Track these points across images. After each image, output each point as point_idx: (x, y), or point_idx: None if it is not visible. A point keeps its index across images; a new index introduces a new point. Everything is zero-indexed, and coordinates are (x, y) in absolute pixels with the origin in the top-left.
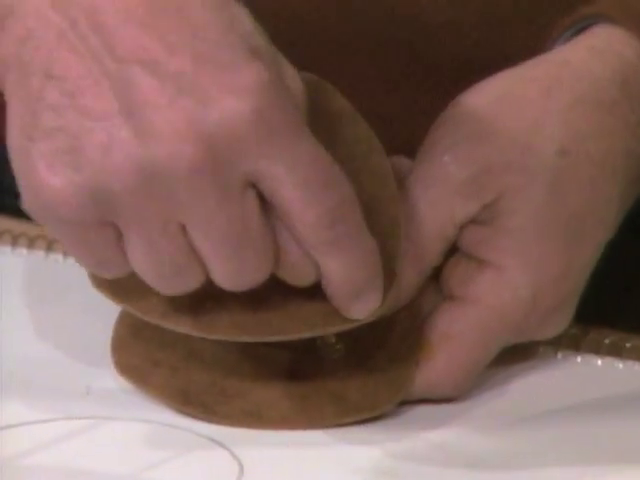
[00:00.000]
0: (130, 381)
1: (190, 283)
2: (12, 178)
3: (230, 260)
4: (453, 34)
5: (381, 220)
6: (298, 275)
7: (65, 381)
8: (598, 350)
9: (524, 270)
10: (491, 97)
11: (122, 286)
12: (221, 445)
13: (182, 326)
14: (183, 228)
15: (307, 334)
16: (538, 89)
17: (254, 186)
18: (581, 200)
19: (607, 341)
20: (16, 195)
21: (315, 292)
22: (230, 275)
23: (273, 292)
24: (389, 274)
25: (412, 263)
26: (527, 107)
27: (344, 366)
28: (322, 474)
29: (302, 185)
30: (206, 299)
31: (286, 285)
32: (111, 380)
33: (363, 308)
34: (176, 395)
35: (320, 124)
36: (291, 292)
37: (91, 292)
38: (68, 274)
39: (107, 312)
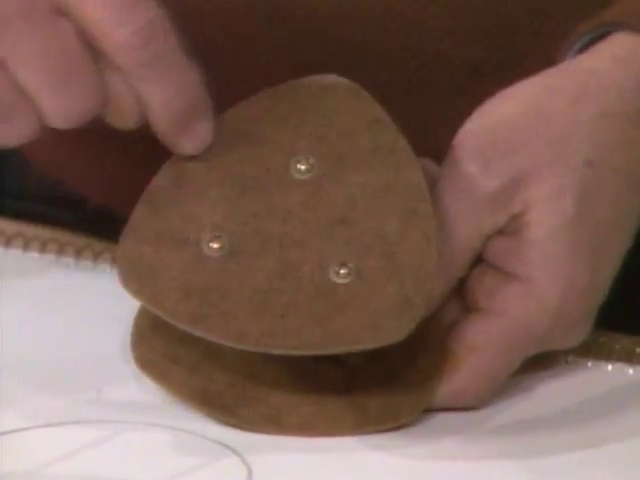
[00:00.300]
0: (150, 377)
1: (22, 126)
2: (18, 181)
3: (55, 91)
4: (462, 39)
5: (414, 235)
6: (122, 110)
7: (75, 385)
8: (608, 355)
9: (552, 283)
10: (518, 106)
11: (151, 287)
12: (233, 451)
13: (211, 334)
14: (3, 65)
15: (336, 350)
16: (566, 99)
17: (66, 17)
18: (606, 211)
19: (617, 346)
20: (25, 197)
21: (347, 306)
22: (58, 108)
23: (303, 306)
24: (423, 292)
25: (439, 274)
26: (555, 118)
27: (366, 376)
28: None
29: (108, 5)
30: (237, 308)
31: (315, 299)
32: (121, 384)
33: (192, 141)
34: (195, 394)
35: (357, 130)
36: (321, 305)
37: (102, 295)
38: (79, 277)
39: (118, 315)
